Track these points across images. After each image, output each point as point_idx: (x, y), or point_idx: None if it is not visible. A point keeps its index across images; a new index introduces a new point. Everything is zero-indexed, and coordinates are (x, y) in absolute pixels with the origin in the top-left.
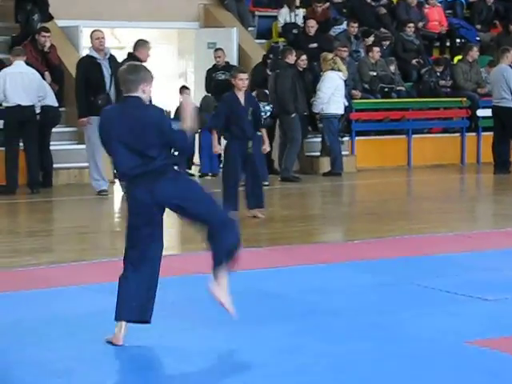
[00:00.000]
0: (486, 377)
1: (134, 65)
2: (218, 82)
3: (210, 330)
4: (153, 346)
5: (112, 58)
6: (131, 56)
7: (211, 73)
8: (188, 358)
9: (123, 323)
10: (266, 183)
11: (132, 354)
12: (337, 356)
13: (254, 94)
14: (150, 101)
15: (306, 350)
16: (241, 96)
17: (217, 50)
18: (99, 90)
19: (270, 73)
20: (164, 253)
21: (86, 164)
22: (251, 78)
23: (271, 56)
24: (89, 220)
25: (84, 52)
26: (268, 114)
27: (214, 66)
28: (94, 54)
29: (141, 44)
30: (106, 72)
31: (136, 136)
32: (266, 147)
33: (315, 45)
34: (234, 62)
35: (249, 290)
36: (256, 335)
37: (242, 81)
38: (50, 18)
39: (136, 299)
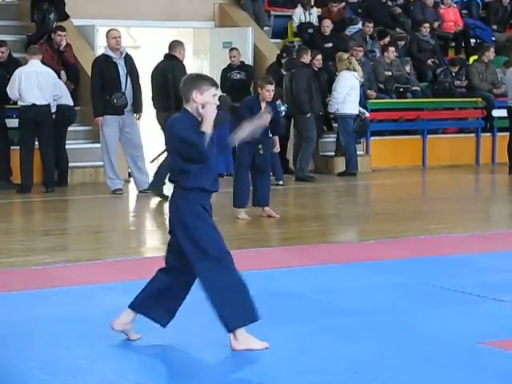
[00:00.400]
0: (500, 378)
1: (189, 75)
2: (233, 81)
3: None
4: (166, 346)
5: (128, 58)
6: (170, 56)
7: (226, 72)
8: (201, 358)
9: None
10: (281, 183)
11: (145, 352)
12: (352, 356)
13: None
14: None
15: (321, 350)
16: (263, 104)
17: (232, 49)
18: (115, 90)
19: (284, 72)
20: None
21: (101, 163)
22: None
23: (285, 55)
24: (103, 219)
25: (100, 51)
26: (283, 113)
27: (229, 65)
28: (110, 53)
29: (177, 44)
30: (122, 71)
31: None
32: (277, 148)
33: (330, 44)
34: (249, 61)
35: (263, 290)
36: (270, 335)
37: (269, 92)
38: (66, 16)
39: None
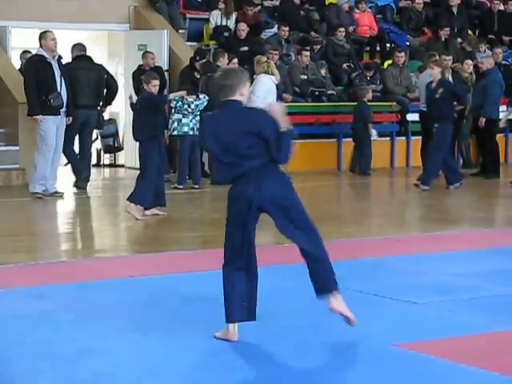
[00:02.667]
0: (413, 380)
1: (230, 69)
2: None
3: (141, 335)
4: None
5: (59, 60)
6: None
7: (138, 75)
8: (116, 362)
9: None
10: (197, 186)
11: (63, 353)
12: (267, 358)
13: (183, 92)
14: None
15: (235, 351)
16: None
17: (146, 52)
18: (51, 90)
19: (198, 76)
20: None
21: (15, 166)
22: (179, 81)
23: (198, 58)
24: (18, 223)
25: (13, 53)
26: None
27: (140, 67)
28: (45, 54)
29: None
30: (57, 73)
31: (237, 138)
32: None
33: (246, 48)
34: (164, 64)
35: (179, 293)
36: (185, 338)
37: (155, 87)
38: None
39: (246, 299)
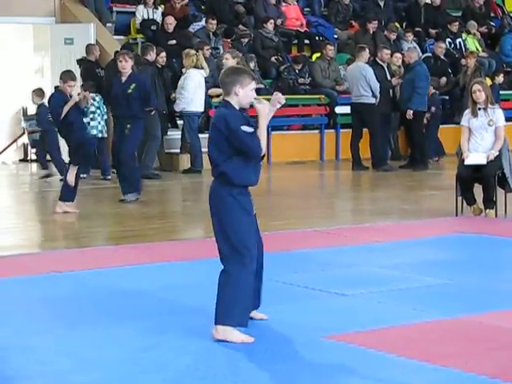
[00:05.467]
0: (343, 371)
1: (232, 68)
2: None
3: (67, 330)
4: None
5: None
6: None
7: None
8: (42, 358)
9: None
10: (109, 177)
11: None
12: (196, 353)
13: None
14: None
15: (164, 347)
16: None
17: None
18: None
19: None
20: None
21: None
22: (105, 75)
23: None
24: None
25: None
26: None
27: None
28: None
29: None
30: None
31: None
32: None
33: (174, 41)
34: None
35: (106, 287)
36: (113, 334)
37: (71, 87)
38: None
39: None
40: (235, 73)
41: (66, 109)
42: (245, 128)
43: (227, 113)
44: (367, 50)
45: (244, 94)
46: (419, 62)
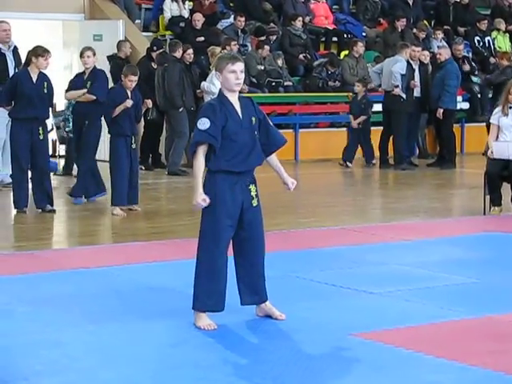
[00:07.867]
0: (370, 368)
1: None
2: None
3: (96, 326)
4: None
5: (16, 51)
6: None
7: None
8: (72, 353)
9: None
10: None
11: (18, 345)
12: (225, 349)
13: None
14: None
15: (192, 343)
16: (129, 93)
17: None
18: (2, 81)
19: (154, 66)
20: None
21: None
22: None
23: (155, 49)
24: None
25: None
26: None
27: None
28: None
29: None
30: (11, 63)
31: None
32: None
33: (202, 38)
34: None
35: (135, 284)
36: (142, 330)
37: (131, 82)
38: None
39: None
40: (215, 61)
41: (117, 110)
42: (200, 122)
43: (206, 104)
44: (410, 47)
45: (223, 77)
46: (450, 61)
